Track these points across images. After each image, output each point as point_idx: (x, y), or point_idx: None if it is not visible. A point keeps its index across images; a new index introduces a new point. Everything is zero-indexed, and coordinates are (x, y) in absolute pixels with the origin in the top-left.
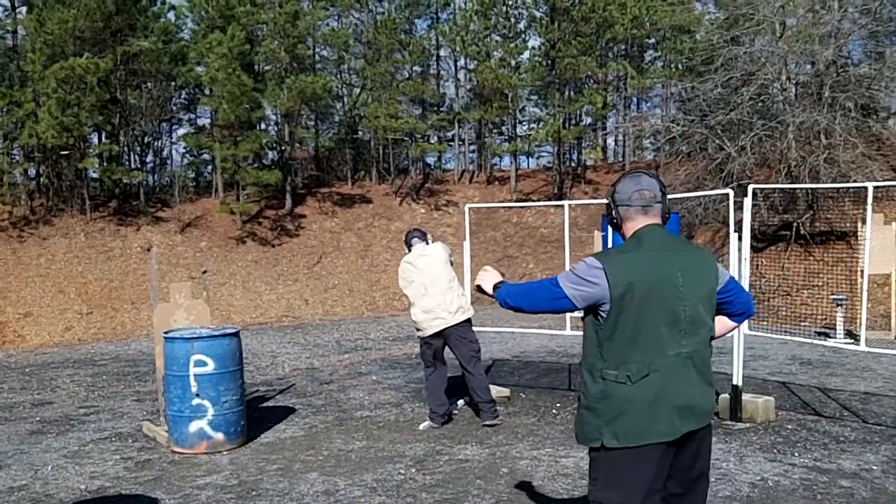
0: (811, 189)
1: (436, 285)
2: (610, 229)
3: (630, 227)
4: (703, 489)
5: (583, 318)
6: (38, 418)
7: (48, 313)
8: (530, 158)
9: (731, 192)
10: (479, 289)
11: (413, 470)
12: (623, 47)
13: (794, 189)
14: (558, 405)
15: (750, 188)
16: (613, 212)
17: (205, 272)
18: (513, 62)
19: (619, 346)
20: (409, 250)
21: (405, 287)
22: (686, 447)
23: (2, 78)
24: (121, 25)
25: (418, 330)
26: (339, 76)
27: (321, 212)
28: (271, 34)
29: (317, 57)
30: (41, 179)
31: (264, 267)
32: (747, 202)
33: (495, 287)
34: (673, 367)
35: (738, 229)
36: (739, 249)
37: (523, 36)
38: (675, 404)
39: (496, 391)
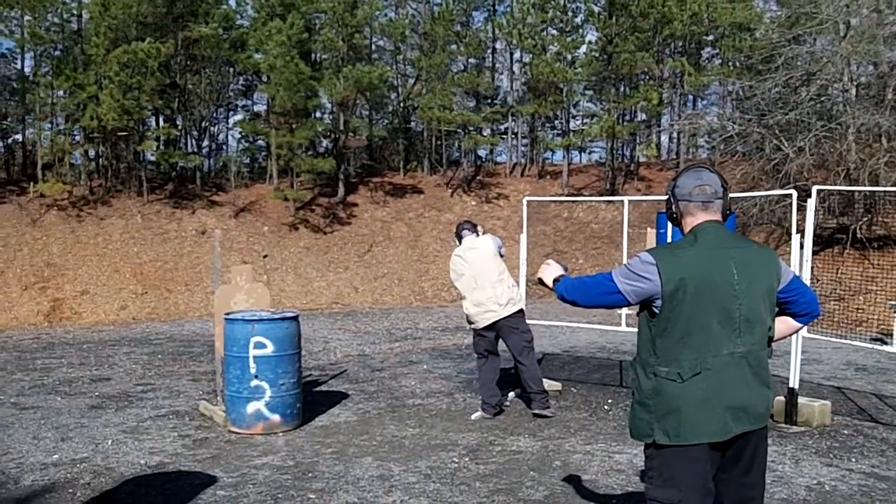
0: (871, 192)
1: (485, 278)
2: (669, 225)
3: (689, 223)
4: (760, 497)
5: (638, 314)
6: (97, 393)
7: (104, 292)
8: (582, 154)
9: (795, 193)
10: (541, 281)
11: (466, 459)
12: (681, 44)
13: (854, 192)
14: (610, 401)
15: (814, 189)
16: (673, 206)
17: (265, 256)
18: (569, 56)
19: (670, 342)
20: (460, 242)
21: (456, 280)
22: (742, 450)
23: (66, 61)
24: (182, 11)
25: (470, 323)
26: (394, 66)
27: (373, 201)
28: (329, 23)
29: (373, 47)
30: (100, 161)
31: (315, 254)
32: (811, 203)
33: (556, 280)
34: (726, 366)
35: (799, 231)
36: (801, 252)
37: (580, 30)
38: (728, 404)
39: (547, 385)
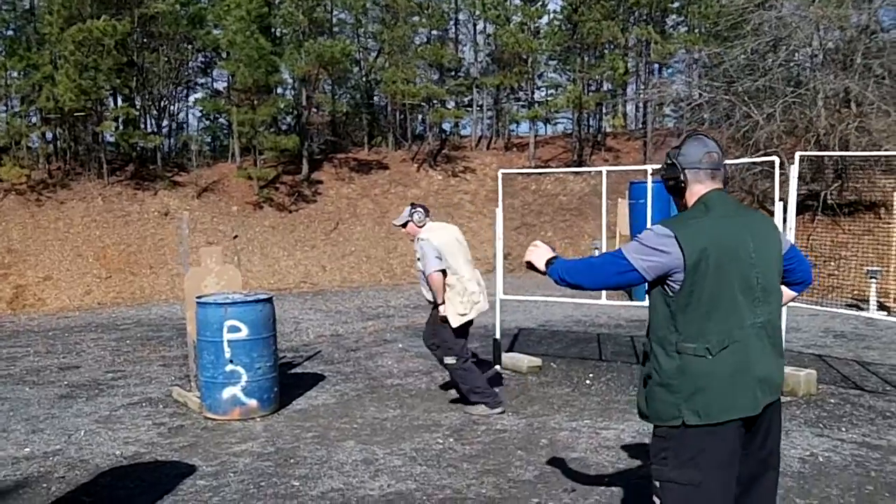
0: (842, 157)
1: (469, 263)
2: (649, 196)
3: (697, 192)
4: (776, 467)
5: (648, 292)
6: (66, 382)
7: (67, 277)
8: (548, 125)
9: (777, 160)
10: (530, 265)
11: (451, 439)
12: (646, 12)
13: (827, 157)
14: (591, 376)
15: (797, 155)
16: (681, 175)
17: (236, 237)
18: (532, 26)
19: (695, 317)
20: (415, 220)
21: (436, 264)
22: (759, 423)
23: (19, 41)
24: None
25: (461, 314)
26: (356, 40)
27: (338, 178)
28: None
29: (334, 20)
30: (58, 143)
31: (282, 233)
32: (793, 170)
33: (548, 263)
34: (750, 337)
35: (782, 199)
36: (785, 220)
37: (543, 0)
38: (757, 376)
39: (528, 361)
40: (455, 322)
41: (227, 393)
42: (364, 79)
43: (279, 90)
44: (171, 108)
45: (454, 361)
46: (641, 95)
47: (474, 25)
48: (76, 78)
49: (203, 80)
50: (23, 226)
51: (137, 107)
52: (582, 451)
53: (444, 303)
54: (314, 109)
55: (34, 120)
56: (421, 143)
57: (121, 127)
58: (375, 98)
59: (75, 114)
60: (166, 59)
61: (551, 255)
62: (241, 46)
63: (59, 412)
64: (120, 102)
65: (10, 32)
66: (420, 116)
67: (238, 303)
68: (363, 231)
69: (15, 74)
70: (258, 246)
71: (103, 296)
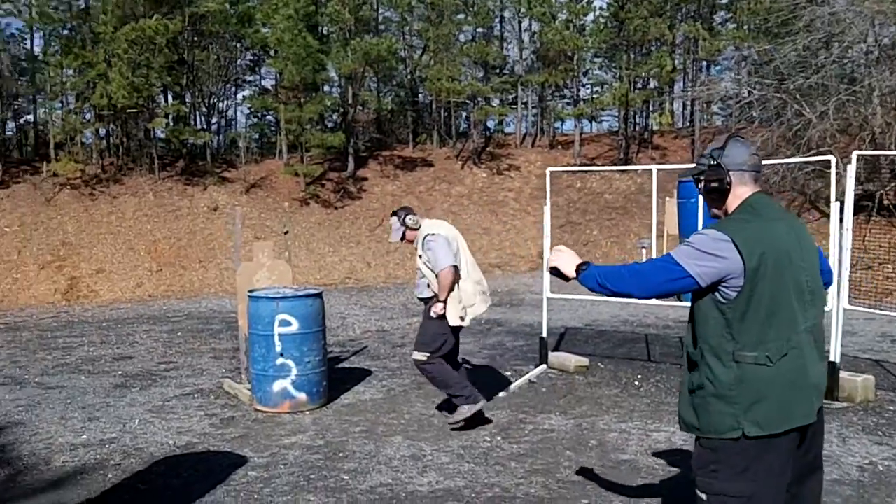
0: None
1: (472, 264)
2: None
3: (741, 194)
4: (821, 466)
5: (696, 300)
6: (120, 372)
7: (120, 270)
8: (594, 123)
9: (834, 160)
10: (556, 271)
11: (499, 438)
12: (694, 8)
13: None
14: (640, 377)
15: (854, 154)
16: (726, 176)
17: (286, 232)
18: (578, 23)
19: (754, 324)
20: (410, 225)
21: (451, 259)
22: (808, 429)
23: (74, 40)
24: None
25: (460, 317)
26: (401, 38)
27: (383, 175)
28: None
29: (380, 18)
30: (111, 139)
31: (327, 229)
32: (851, 169)
33: (579, 269)
34: (804, 342)
35: (839, 199)
36: (841, 221)
37: None
38: (812, 382)
39: (575, 360)
40: (453, 322)
41: (278, 386)
42: (409, 76)
43: (326, 88)
44: (221, 105)
45: (422, 357)
46: (689, 93)
47: (519, 23)
48: (129, 76)
49: (251, 78)
50: (77, 219)
51: (188, 104)
52: (632, 454)
53: (445, 300)
54: (360, 107)
55: (88, 116)
56: (465, 141)
57: (171, 124)
58: (420, 96)
59: (128, 111)
60: (216, 57)
61: (579, 260)
62: (289, 45)
63: (113, 401)
64: (171, 100)
65: (66, 32)
66: (464, 114)
67: (289, 297)
68: None
69: (70, 72)
70: (304, 242)
71: (154, 288)
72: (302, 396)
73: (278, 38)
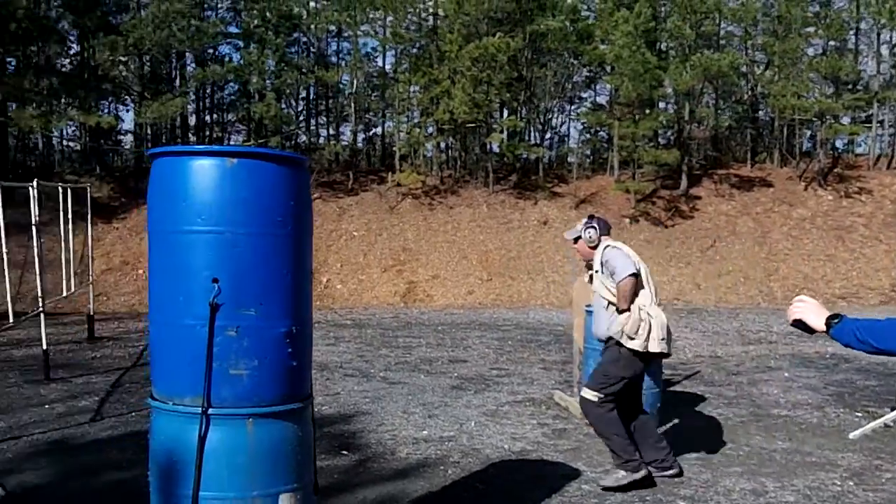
0: None
1: (654, 296)
2: None
3: None
4: None
5: None
6: (455, 374)
7: (453, 276)
8: None
9: None
10: (800, 324)
11: (850, 483)
12: None
13: None
14: None
15: None
16: None
17: None
18: None
19: None
20: (587, 238)
21: (632, 268)
22: None
23: (422, 58)
24: (530, 5)
25: (634, 342)
26: (744, 53)
27: (717, 194)
28: (678, 10)
29: (722, 33)
30: (450, 152)
31: (656, 247)
32: None
33: (829, 323)
34: None
35: None
36: None
37: None
38: None
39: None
40: (654, 348)
41: None
42: (750, 92)
43: (661, 104)
44: (555, 120)
45: (592, 397)
46: None
47: (878, 35)
48: (471, 92)
49: (586, 94)
50: (416, 227)
51: (523, 119)
52: None
53: (628, 310)
54: (696, 124)
55: (431, 130)
56: (810, 161)
57: (507, 138)
58: (761, 112)
59: (467, 125)
60: (553, 73)
61: (827, 312)
62: (627, 61)
63: (450, 401)
64: (507, 115)
65: (414, 50)
66: (809, 132)
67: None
68: (742, 250)
69: (416, 88)
70: None
71: (484, 297)
72: None
73: (616, 55)
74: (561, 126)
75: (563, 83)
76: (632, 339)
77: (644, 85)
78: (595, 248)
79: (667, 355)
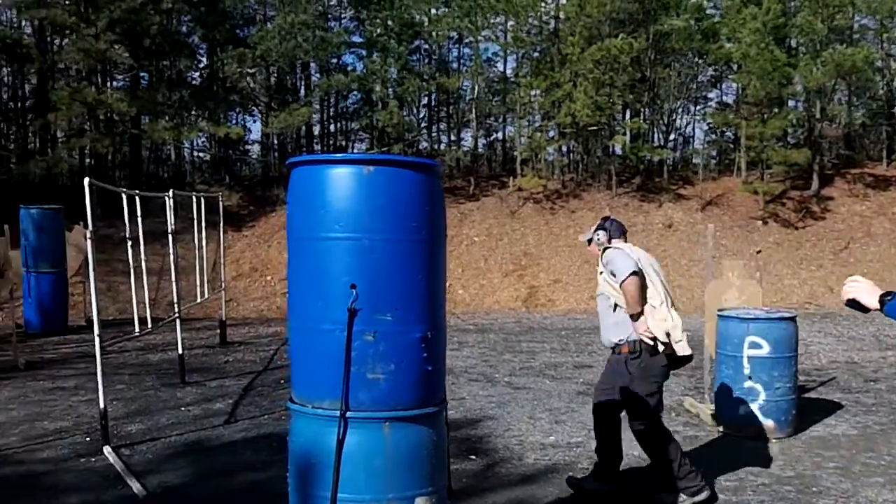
0: None
1: (668, 299)
2: None
3: None
4: None
5: None
6: (581, 380)
7: (575, 281)
8: None
9: None
10: (854, 303)
11: None
12: None
13: None
14: None
15: None
16: None
17: (759, 252)
18: None
19: None
20: (596, 240)
21: (632, 266)
22: None
23: (544, 61)
24: (654, 5)
25: (655, 347)
26: (879, 47)
27: (851, 194)
28: (809, 4)
29: (855, 27)
30: (572, 156)
31: (786, 250)
32: None
33: (882, 300)
34: None
35: None
36: None
37: None
38: None
39: None
40: (658, 334)
41: (744, 409)
42: (885, 88)
43: (791, 102)
44: (679, 121)
45: (641, 427)
46: None
47: None
48: (593, 94)
49: (711, 94)
50: (538, 232)
51: (647, 121)
52: None
53: (641, 313)
54: (827, 122)
55: (552, 134)
56: None
57: (630, 140)
58: None
59: (589, 128)
60: (677, 73)
61: (880, 290)
62: (755, 59)
63: (577, 407)
64: (630, 117)
65: (536, 54)
66: None
67: (761, 319)
68: (877, 252)
69: (537, 92)
70: (760, 262)
71: None
72: (769, 423)
73: (743, 53)
74: (685, 127)
75: (688, 83)
76: (654, 343)
77: (773, 83)
78: (603, 251)
79: (690, 358)
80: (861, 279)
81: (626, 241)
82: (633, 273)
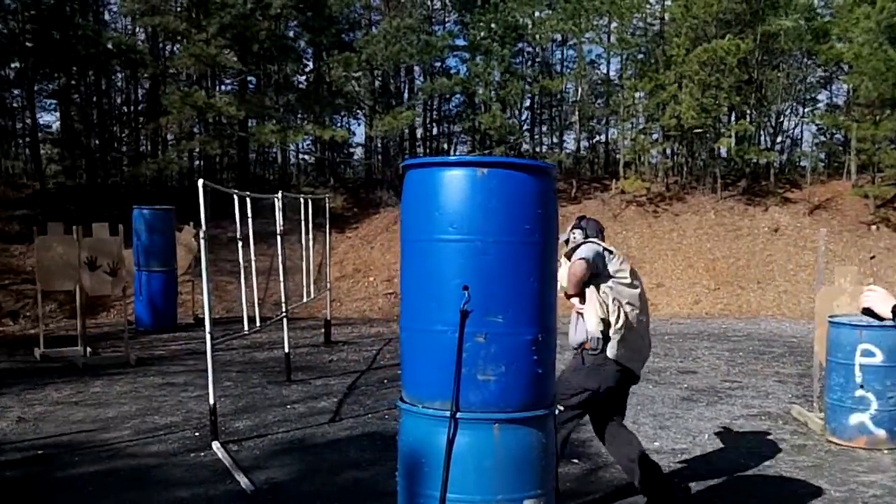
0: None
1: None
2: None
3: None
4: None
5: None
6: (685, 385)
7: (678, 285)
8: None
9: None
10: (869, 312)
11: None
12: None
13: None
14: None
15: None
16: None
17: (873, 257)
18: None
19: None
20: (570, 240)
21: (589, 255)
22: None
23: (648, 63)
24: (762, 5)
25: (617, 361)
26: None
27: None
28: None
29: None
30: (676, 158)
31: None
32: None
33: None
34: None
35: None
36: None
37: None
38: None
39: None
40: (592, 328)
41: (855, 419)
42: None
43: None
44: (787, 123)
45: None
46: None
47: None
48: (698, 96)
49: (820, 95)
50: (640, 235)
51: (753, 123)
52: None
53: (576, 296)
54: None
55: (656, 136)
56: None
57: (736, 143)
58: None
59: (694, 131)
60: (785, 74)
61: (894, 301)
62: (867, 59)
63: (681, 413)
64: (736, 119)
65: (640, 56)
66: None
67: (874, 326)
68: None
69: (641, 94)
70: (870, 268)
71: (711, 306)
72: (881, 433)
73: (856, 53)
74: (793, 129)
75: (796, 84)
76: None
77: (886, 84)
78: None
79: (635, 377)
80: (878, 288)
81: (602, 241)
82: (587, 262)
